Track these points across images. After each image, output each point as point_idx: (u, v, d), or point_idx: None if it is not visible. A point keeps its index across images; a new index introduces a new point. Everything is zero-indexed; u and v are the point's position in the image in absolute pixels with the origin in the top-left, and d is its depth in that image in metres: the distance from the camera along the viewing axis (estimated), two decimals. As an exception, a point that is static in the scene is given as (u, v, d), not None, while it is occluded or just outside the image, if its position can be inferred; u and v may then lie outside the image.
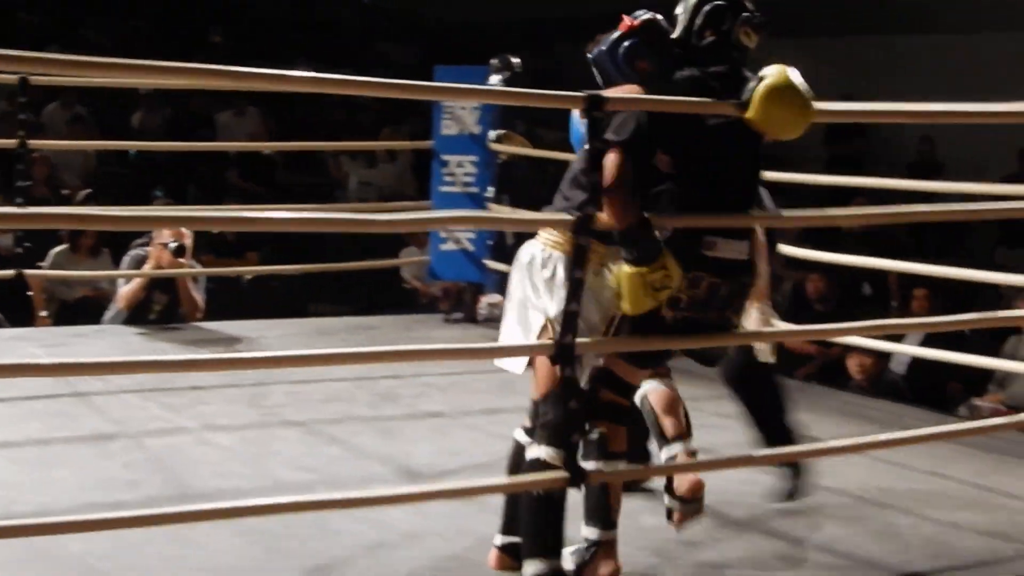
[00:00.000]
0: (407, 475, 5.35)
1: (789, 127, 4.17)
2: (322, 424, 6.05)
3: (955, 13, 15.34)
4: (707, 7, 4.22)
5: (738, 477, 5.15)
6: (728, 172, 4.24)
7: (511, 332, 4.29)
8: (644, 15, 4.36)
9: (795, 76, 4.12)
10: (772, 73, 4.10)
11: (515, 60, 8.28)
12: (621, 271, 4.03)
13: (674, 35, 4.27)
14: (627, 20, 4.39)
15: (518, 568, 4.21)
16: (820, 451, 5.05)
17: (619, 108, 4.11)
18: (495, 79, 8.41)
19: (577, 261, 4.02)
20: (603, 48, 4.29)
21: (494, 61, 8.32)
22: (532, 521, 4.14)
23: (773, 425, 5.14)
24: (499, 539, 4.35)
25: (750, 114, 4.07)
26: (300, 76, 4.51)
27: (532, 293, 4.26)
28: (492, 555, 4.37)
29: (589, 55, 4.33)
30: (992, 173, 12.91)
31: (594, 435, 4.18)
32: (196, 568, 4.18)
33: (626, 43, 4.26)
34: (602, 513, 4.20)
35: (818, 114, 4.17)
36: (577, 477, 4.04)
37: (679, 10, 4.29)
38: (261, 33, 19.59)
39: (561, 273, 4.19)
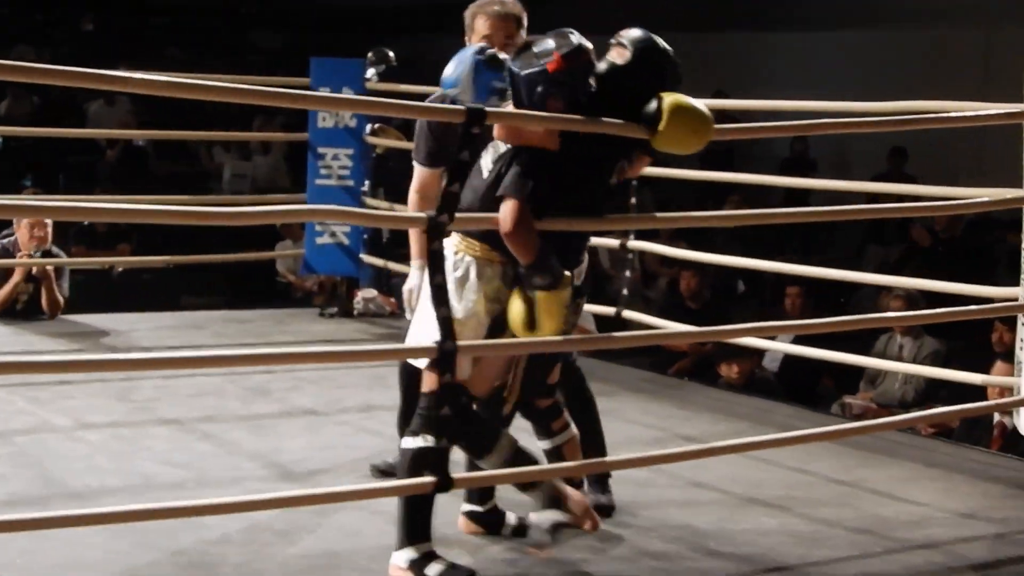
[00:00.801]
0: (279, 472, 5.31)
1: (693, 142, 4.26)
2: (193, 420, 6.00)
3: (821, 10, 15.58)
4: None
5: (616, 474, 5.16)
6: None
7: (420, 328, 4.28)
8: (570, 47, 4.33)
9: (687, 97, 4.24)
10: (669, 95, 4.19)
11: (390, 53, 8.25)
12: (539, 296, 4.10)
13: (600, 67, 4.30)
14: (556, 56, 4.37)
15: (483, 532, 4.59)
16: (696, 453, 5.08)
17: (496, 123, 4.16)
18: (371, 72, 8.39)
19: (434, 266, 4.06)
20: (521, 74, 4.25)
21: (370, 55, 8.28)
22: (405, 513, 4.18)
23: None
24: (464, 507, 4.63)
25: (660, 127, 4.13)
26: (168, 81, 4.41)
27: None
28: (460, 521, 4.64)
29: (511, 64, 4.29)
30: (863, 171, 13.14)
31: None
32: (61, 564, 4.12)
33: (540, 88, 4.24)
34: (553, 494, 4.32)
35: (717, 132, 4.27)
36: (446, 483, 4.10)
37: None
38: (132, 20, 19.38)
39: (472, 274, 4.24)
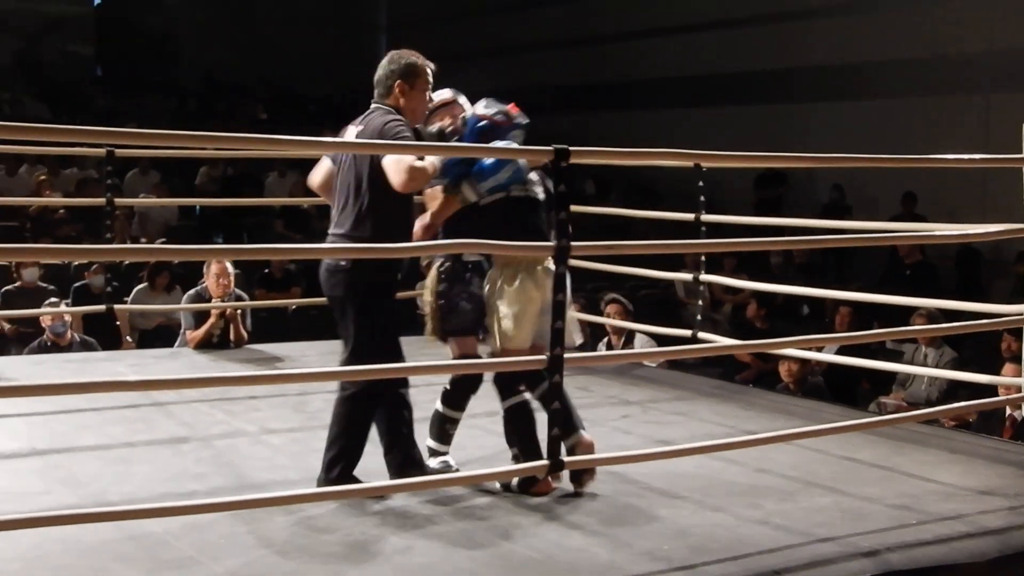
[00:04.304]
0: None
1: None
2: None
3: (852, 83, 15.44)
4: None
5: (692, 463, 5.14)
6: None
7: None
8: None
9: None
10: None
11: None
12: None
13: None
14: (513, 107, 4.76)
15: None
16: (757, 441, 5.05)
17: (584, 161, 4.28)
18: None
19: (558, 286, 4.26)
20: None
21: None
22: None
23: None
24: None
25: None
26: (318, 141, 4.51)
27: None
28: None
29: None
30: (885, 211, 13.02)
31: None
32: (251, 545, 4.16)
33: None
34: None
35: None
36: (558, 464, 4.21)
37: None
38: (295, 109, 19.61)
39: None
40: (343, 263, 4.67)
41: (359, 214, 4.67)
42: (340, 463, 4.72)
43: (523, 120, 4.93)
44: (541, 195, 4.95)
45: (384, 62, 4.85)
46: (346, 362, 4.78)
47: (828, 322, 10.92)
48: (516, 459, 4.87)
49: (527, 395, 4.93)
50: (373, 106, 4.82)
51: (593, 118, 19.08)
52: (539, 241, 4.62)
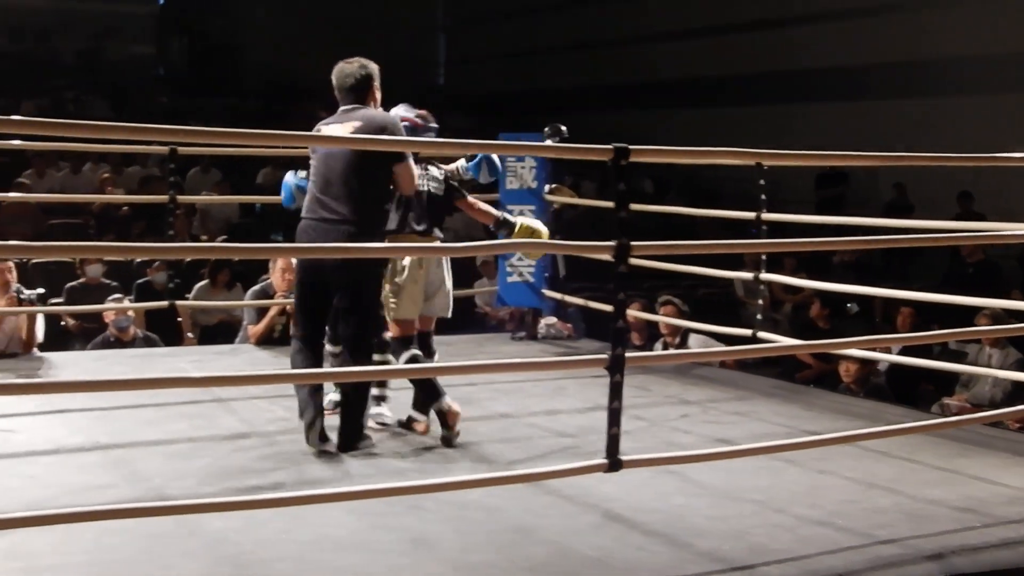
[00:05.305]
0: (483, 463, 5.33)
1: None
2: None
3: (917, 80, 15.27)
4: None
5: (752, 464, 5.10)
6: None
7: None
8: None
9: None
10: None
11: (563, 127, 8.26)
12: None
13: None
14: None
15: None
16: (818, 442, 5.01)
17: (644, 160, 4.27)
18: (548, 143, 8.42)
19: (620, 286, 4.12)
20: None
21: (547, 129, 8.31)
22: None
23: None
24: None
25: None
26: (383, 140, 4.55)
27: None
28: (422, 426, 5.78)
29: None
30: (944, 212, 12.86)
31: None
32: (311, 540, 4.18)
33: None
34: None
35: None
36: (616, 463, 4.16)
37: None
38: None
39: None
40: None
41: (357, 201, 5.25)
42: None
43: (434, 124, 5.75)
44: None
45: (352, 69, 5.42)
46: (356, 334, 5.36)
47: (880, 322, 10.82)
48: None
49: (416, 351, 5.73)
50: (353, 106, 5.40)
51: (653, 116, 19.01)
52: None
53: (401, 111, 5.70)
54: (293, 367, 5.48)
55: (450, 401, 5.56)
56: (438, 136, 5.83)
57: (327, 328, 5.57)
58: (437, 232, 5.79)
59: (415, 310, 5.79)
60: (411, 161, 5.38)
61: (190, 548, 4.07)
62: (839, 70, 16.58)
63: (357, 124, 5.28)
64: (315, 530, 4.24)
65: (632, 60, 20.14)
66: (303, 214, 5.46)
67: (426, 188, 5.75)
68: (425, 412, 5.83)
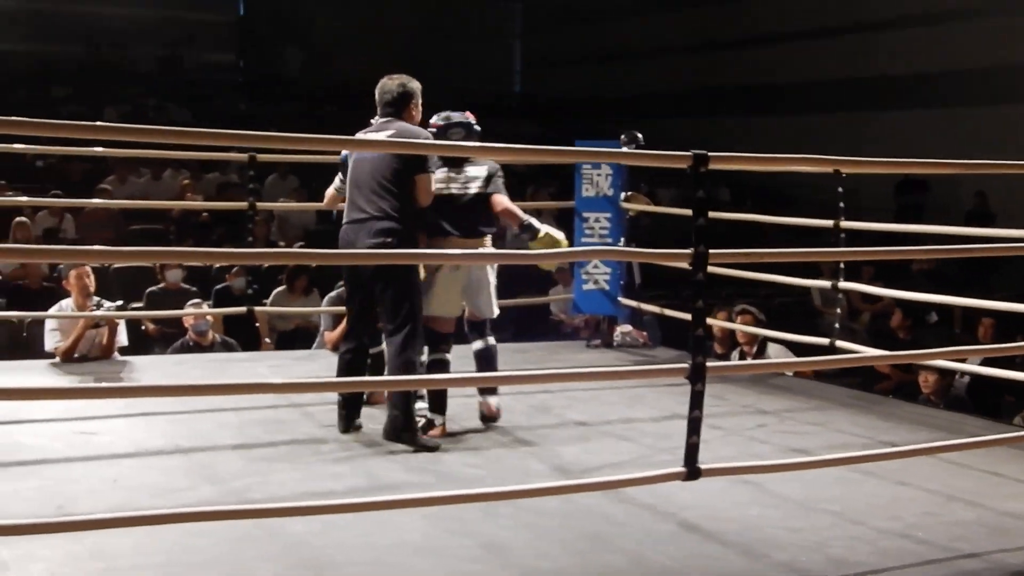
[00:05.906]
0: (559, 470, 5.33)
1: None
2: (490, 431, 6.07)
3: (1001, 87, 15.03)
4: None
5: (830, 475, 5.06)
6: None
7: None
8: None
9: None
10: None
11: (638, 135, 8.24)
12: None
13: None
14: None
15: None
16: (898, 453, 4.95)
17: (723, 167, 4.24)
18: (625, 150, 8.41)
19: (697, 294, 4.07)
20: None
21: (623, 136, 8.30)
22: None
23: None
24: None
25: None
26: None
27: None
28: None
29: None
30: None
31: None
32: (389, 545, 4.21)
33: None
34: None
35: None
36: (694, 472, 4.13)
37: None
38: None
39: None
40: (390, 240, 5.53)
41: (383, 198, 5.58)
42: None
43: (464, 122, 6.01)
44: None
45: (392, 86, 5.81)
46: (399, 327, 5.62)
47: (960, 332, 10.66)
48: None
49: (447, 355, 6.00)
50: (388, 119, 5.76)
51: (729, 123, 18.91)
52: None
53: (436, 119, 6.03)
54: (338, 372, 5.90)
55: (442, 421, 5.90)
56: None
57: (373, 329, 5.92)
58: (483, 232, 5.97)
59: (450, 309, 6.03)
60: (431, 175, 5.69)
61: (269, 551, 4.12)
62: (920, 76, 16.39)
63: (390, 133, 5.66)
64: (391, 535, 4.27)
65: (709, 66, 20.07)
66: (343, 220, 5.78)
67: (458, 192, 5.92)
68: (442, 412, 5.94)
